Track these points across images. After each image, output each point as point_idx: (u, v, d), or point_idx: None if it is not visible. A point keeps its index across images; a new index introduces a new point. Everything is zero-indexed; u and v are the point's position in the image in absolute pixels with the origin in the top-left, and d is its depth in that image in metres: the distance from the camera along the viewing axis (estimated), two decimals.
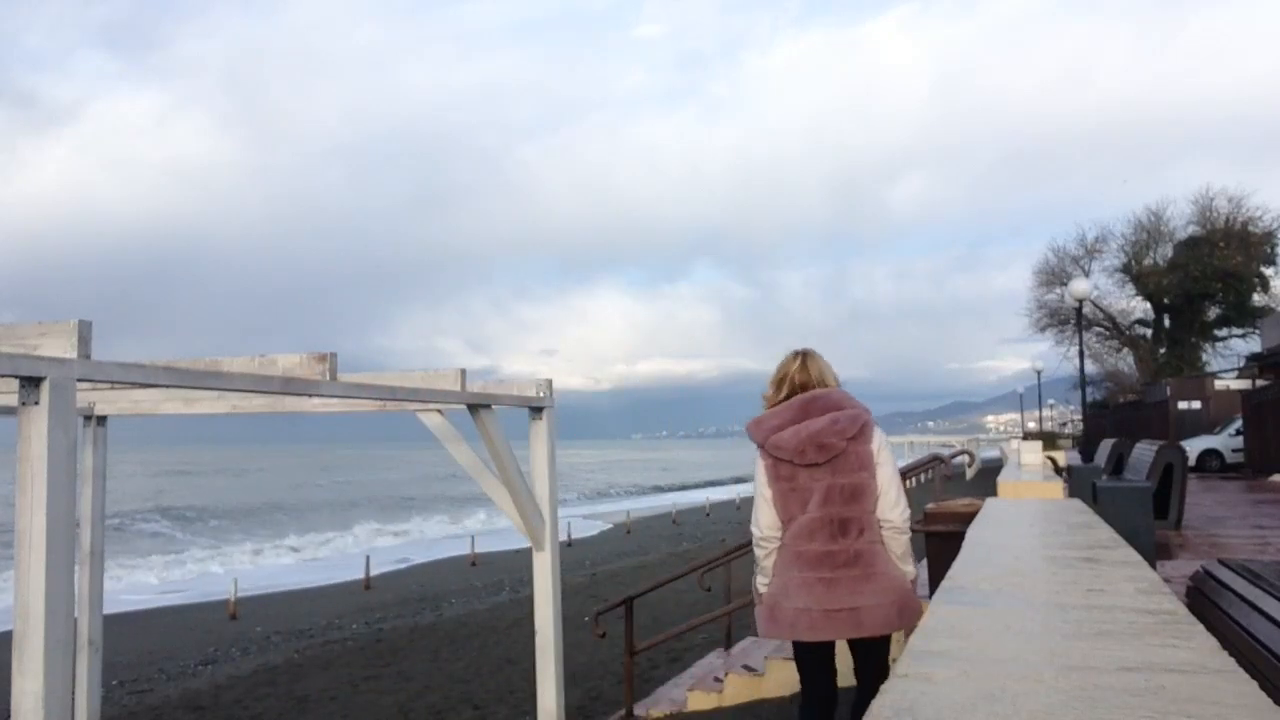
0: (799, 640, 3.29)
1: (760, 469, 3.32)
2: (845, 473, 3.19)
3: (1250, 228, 38.03)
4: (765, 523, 3.29)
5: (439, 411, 5.04)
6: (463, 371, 4.55)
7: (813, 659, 3.36)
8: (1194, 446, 21.81)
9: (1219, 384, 29.30)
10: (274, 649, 12.47)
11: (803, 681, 3.43)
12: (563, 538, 22.71)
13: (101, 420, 5.69)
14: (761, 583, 3.35)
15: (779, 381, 3.38)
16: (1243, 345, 36.69)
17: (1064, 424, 67.39)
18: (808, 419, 3.23)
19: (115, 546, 27.21)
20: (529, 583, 6.23)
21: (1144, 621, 2.06)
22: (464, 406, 4.64)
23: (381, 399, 4.23)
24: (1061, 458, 15.96)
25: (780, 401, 3.35)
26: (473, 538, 24.10)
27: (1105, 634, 1.95)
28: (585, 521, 32.44)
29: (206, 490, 53.10)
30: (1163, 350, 40.36)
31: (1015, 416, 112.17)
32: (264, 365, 3.43)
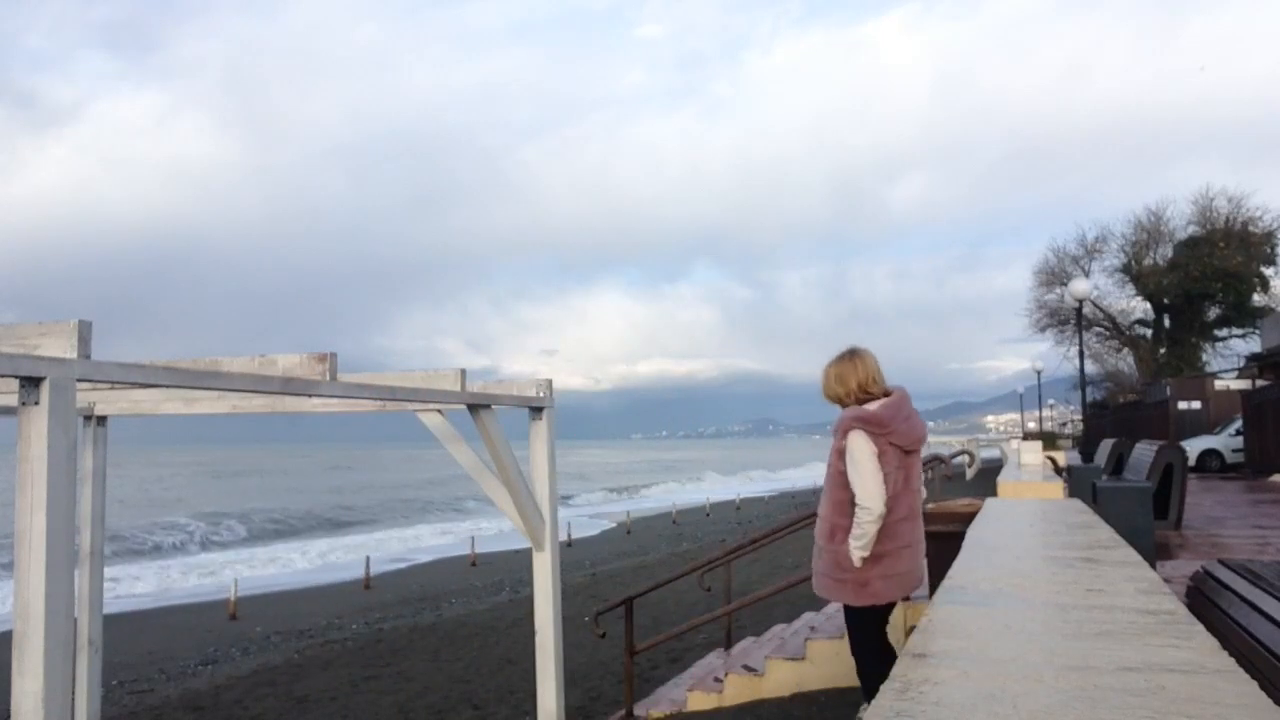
0: (892, 600, 3.85)
1: (873, 453, 3.72)
2: (919, 460, 3.95)
3: (1250, 228, 38.02)
4: (883, 500, 3.69)
5: (439, 411, 5.04)
6: (463, 371, 4.55)
7: (884, 619, 3.95)
8: (1194, 446, 21.80)
9: (1219, 384, 29.28)
10: (274, 649, 12.47)
11: (874, 643, 3.92)
12: (563, 538, 22.71)
13: (101, 420, 5.69)
14: (862, 556, 3.75)
15: (877, 380, 3.93)
16: (1243, 345, 36.69)
17: (1064, 424, 67.36)
18: (911, 413, 3.90)
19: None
20: (529, 583, 6.23)
21: (1144, 621, 2.06)
22: (464, 406, 4.64)
23: (381, 399, 4.23)
24: (1061, 458, 15.95)
25: (880, 397, 3.92)
26: (473, 538, 24.12)
27: (1105, 634, 1.95)
28: (585, 521, 32.45)
29: (253, 492, 52.78)
30: (1163, 350, 40.35)
31: (1015, 416, 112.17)
32: (264, 365, 3.43)
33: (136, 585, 19.93)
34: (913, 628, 3.35)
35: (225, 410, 5.19)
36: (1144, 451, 10.19)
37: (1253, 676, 1.58)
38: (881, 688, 1.58)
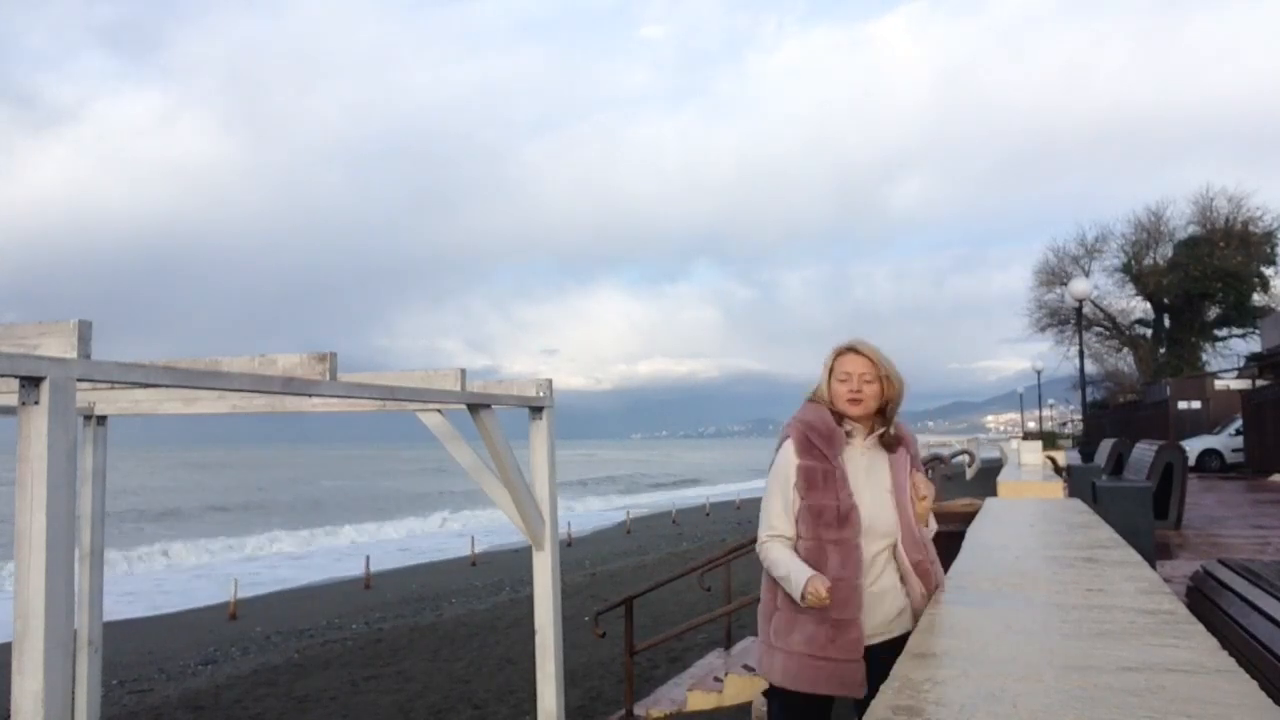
0: None
1: None
2: None
3: (1250, 228, 38.04)
4: None
5: (439, 411, 5.04)
6: (462, 371, 4.54)
7: None
8: (1194, 446, 21.81)
9: (1219, 384, 29.32)
10: (274, 649, 12.46)
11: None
12: (562, 537, 22.73)
13: (101, 420, 5.68)
14: None
15: None
16: (1243, 345, 36.72)
17: (1064, 424, 67.41)
18: None
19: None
20: (529, 583, 6.23)
21: (1144, 621, 2.06)
22: (464, 406, 4.64)
23: (381, 399, 4.23)
24: (1061, 458, 15.96)
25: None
26: (473, 537, 24.13)
27: (1105, 634, 1.95)
28: (585, 521, 32.46)
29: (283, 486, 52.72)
30: (1163, 350, 40.36)
31: (1015, 416, 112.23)
32: (264, 365, 3.43)
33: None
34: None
35: (225, 410, 5.19)
36: (1144, 451, 10.19)
37: (1253, 676, 1.58)
38: (881, 687, 1.58)
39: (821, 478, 2.70)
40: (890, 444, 2.81)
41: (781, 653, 2.71)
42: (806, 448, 2.74)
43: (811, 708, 2.73)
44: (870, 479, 2.76)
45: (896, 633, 2.70)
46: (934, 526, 2.89)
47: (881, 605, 2.71)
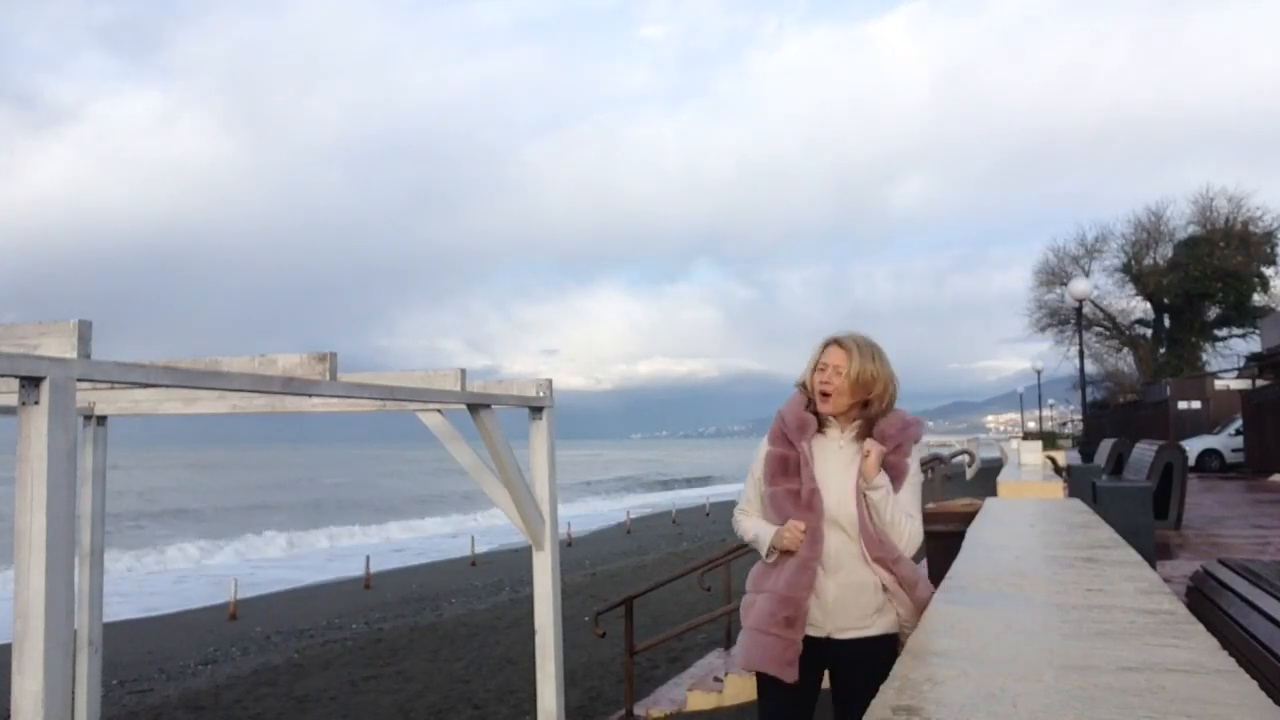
0: None
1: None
2: None
3: (1250, 228, 38.08)
4: None
5: (439, 411, 5.04)
6: (462, 371, 4.55)
7: None
8: (1194, 446, 21.83)
9: (1219, 384, 29.35)
10: (274, 649, 12.46)
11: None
12: (563, 537, 22.73)
13: (101, 420, 5.68)
14: None
15: None
16: (1243, 345, 36.77)
17: (1064, 424, 67.45)
18: None
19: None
20: (529, 583, 6.23)
21: (1144, 621, 2.06)
22: (464, 406, 4.64)
23: (381, 399, 4.23)
24: (1061, 458, 15.97)
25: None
26: (473, 537, 24.13)
27: (1105, 634, 1.95)
28: (585, 521, 32.46)
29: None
30: (1163, 350, 40.39)
31: (1015, 416, 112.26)
32: (264, 365, 3.43)
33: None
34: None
35: (225, 410, 5.19)
36: (1144, 451, 10.19)
37: (1253, 676, 1.58)
38: (881, 687, 1.58)
39: (788, 464, 2.78)
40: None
41: (742, 631, 2.83)
42: (777, 435, 2.86)
43: (776, 693, 2.72)
44: (845, 472, 2.76)
45: (875, 631, 2.71)
46: (882, 485, 2.71)
47: (859, 599, 2.70)
